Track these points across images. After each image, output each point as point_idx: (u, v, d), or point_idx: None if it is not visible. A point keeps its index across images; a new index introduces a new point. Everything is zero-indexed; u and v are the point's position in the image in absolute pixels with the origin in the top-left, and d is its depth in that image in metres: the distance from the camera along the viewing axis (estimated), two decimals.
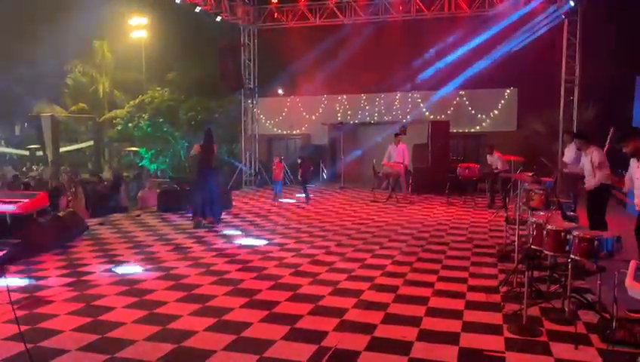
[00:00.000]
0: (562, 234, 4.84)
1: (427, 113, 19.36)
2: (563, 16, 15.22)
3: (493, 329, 4.65)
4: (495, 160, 12.74)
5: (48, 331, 4.61)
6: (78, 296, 5.62)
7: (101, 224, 10.38)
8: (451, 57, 18.71)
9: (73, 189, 13.69)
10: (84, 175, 20.11)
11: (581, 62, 15.21)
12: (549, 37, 16.18)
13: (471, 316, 4.98)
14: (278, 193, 14.40)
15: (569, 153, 10.58)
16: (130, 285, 6.05)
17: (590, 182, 7.49)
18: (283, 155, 17.59)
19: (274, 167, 14.74)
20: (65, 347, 4.27)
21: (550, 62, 16.33)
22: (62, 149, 29.33)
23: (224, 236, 9.17)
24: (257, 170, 19.00)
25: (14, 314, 3.97)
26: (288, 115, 21.06)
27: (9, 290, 3.94)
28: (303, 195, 13.83)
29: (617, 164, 8.09)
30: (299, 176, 14.13)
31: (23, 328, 4.14)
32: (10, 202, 8.04)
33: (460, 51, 18.37)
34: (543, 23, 15.78)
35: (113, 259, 7.35)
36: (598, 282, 4.91)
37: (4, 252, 3.53)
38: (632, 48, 15.91)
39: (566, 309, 4.91)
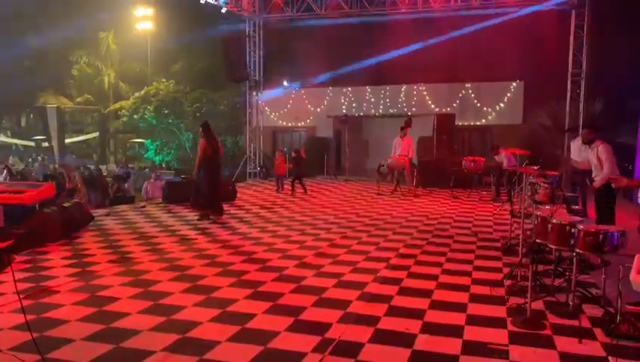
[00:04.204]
0: (567, 228, 4.82)
1: (432, 106, 19.30)
2: (569, 7, 15.08)
3: (497, 323, 4.64)
4: (502, 158, 12.71)
5: (54, 321, 4.64)
6: (83, 287, 5.66)
7: (106, 215, 10.43)
8: (456, 49, 18.62)
9: (78, 185, 13.75)
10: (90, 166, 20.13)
11: (588, 56, 15.10)
12: (556, 29, 16.06)
13: (475, 309, 4.98)
14: (281, 187, 14.58)
15: (575, 147, 10.52)
16: (135, 276, 6.08)
17: (598, 176, 7.45)
18: (286, 148, 17.63)
19: (276, 162, 14.87)
20: (70, 336, 4.30)
21: (557, 55, 16.22)
22: (67, 140, 29.48)
23: (229, 228, 9.19)
24: (261, 162, 19.01)
25: (20, 303, 3.99)
26: (293, 107, 21.03)
27: (15, 280, 3.96)
28: (290, 187, 14.09)
29: (622, 158, 8.05)
30: (293, 169, 14.30)
31: (29, 317, 4.16)
32: (17, 192, 8.09)
33: (465, 43, 18.26)
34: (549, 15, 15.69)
35: (118, 251, 7.38)
36: (603, 276, 4.91)
37: (10, 242, 3.55)
38: None
39: (570, 303, 4.90)
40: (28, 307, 4.73)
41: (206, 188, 9.95)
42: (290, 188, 14.01)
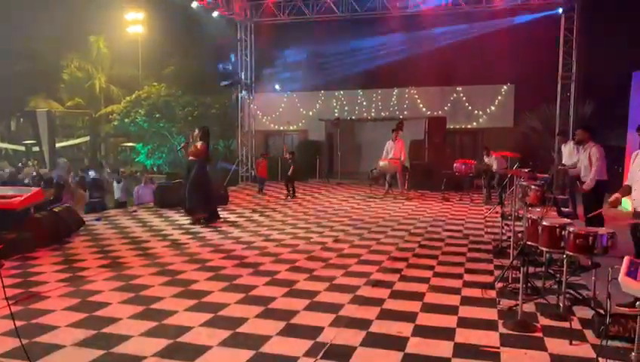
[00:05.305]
0: (557, 230, 4.86)
1: (424, 109, 19.37)
2: (560, 11, 15.22)
3: (488, 325, 4.66)
4: (492, 160, 12.78)
5: (44, 326, 4.60)
6: (73, 292, 5.61)
7: (97, 220, 10.36)
8: (448, 52, 18.75)
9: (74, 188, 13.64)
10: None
11: (578, 58, 15.23)
12: (546, 32, 16.20)
13: (466, 311, 5.00)
14: (262, 190, 14.86)
15: (566, 151, 10.60)
16: (126, 281, 6.05)
17: (587, 177, 7.51)
18: (278, 151, 17.69)
19: (259, 166, 15.03)
20: (60, 342, 4.26)
21: (547, 58, 16.35)
22: (58, 145, 29.31)
23: (220, 232, 9.17)
24: (254, 165, 18.99)
25: (9, 309, 3.95)
26: (285, 110, 21.03)
27: (4, 286, 3.93)
28: (286, 190, 14.04)
29: (612, 160, 8.12)
30: (288, 173, 14.23)
31: (19, 323, 4.13)
32: (7, 197, 8.02)
33: (456, 46, 18.39)
34: (539, 18, 15.84)
35: (109, 255, 7.34)
36: (593, 278, 4.94)
37: (0, 247, 3.52)
38: (630, 44, 15.94)
39: (561, 305, 4.93)
40: (17, 313, 4.69)
41: (194, 192, 9.98)
42: (286, 191, 13.96)
